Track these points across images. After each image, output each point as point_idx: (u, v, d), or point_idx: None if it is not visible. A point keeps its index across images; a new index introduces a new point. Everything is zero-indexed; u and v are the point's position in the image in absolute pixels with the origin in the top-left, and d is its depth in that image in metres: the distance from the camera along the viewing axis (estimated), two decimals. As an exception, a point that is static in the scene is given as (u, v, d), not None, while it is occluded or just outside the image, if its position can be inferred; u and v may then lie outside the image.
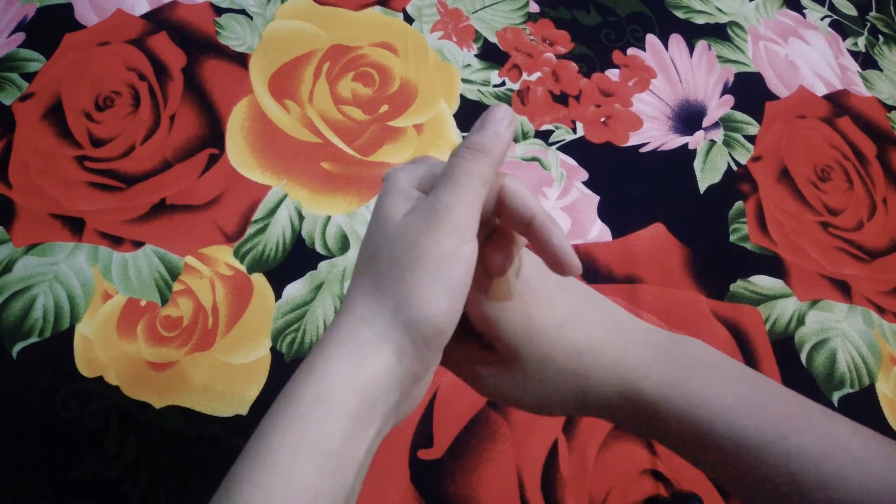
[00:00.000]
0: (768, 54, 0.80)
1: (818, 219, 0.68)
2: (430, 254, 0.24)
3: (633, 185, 0.66)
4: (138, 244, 0.54)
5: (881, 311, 0.64)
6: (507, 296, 0.28)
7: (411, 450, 0.50)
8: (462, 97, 0.67)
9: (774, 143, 0.72)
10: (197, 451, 0.47)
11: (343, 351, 0.24)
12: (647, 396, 0.27)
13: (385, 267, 0.25)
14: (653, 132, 0.70)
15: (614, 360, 0.28)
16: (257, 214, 0.57)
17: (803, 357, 0.60)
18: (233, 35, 0.66)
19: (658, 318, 0.59)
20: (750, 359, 0.59)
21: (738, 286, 0.62)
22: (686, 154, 0.69)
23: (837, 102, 0.78)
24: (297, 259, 0.56)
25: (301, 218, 0.58)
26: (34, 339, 0.49)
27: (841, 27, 0.86)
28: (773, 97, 0.76)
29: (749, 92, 0.75)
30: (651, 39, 0.77)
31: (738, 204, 0.67)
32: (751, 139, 0.72)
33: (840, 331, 0.62)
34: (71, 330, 0.50)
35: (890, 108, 0.80)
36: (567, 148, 0.67)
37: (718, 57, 0.77)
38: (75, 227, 0.54)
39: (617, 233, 0.63)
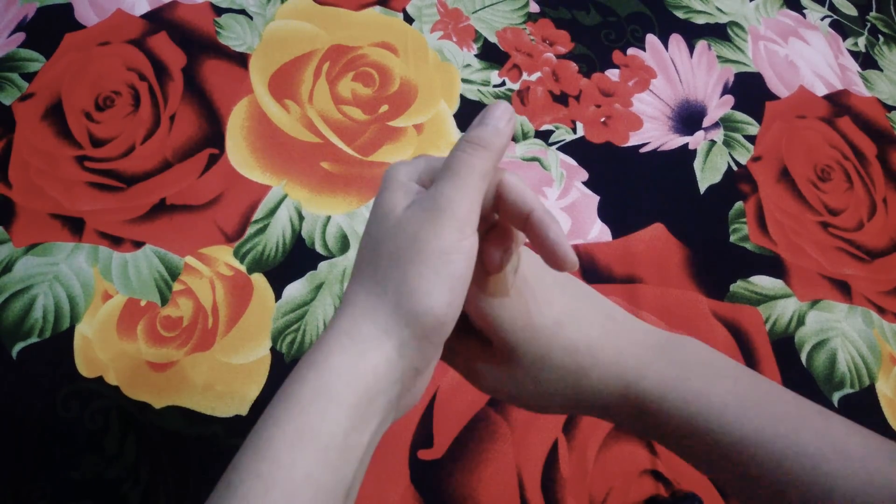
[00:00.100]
0: (768, 54, 0.80)
1: (818, 219, 0.68)
2: (431, 247, 0.24)
3: (633, 185, 0.66)
4: (138, 244, 0.54)
5: (881, 311, 0.64)
6: (505, 293, 0.28)
7: (411, 450, 0.50)
8: (462, 97, 0.67)
9: (774, 144, 0.72)
10: (197, 451, 0.47)
11: (344, 344, 0.24)
12: (645, 395, 0.27)
13: (386, 260, 0.25)
14: (653, 132, 0.70)
15: (612, 358, 0.28)
16: (257, 214, 0.57)
17: (803, 357, 0.60)
18: (233, 35, 0.66)
19: (658, 319, 0.59)
20: (750, 359, 0.59)
21: (738, 286, 0.62)
22: (686, 154, 0.69)
23: (837, 102, 0.78)
24: (297, 259, 0.56)
25: (301, 218, 0.58)
26: (34, 339, 0.49)
27: (841, 27, 0.86)
28: (773, 97, 0.76)
29: (749, 92, 0.75)
30: (651, 39, 0.77)
31: (738, 204, 0.67)
32: (751, 139, 0.72)
33: (840, 331, 0.62)
34: (71, 330, 0.50)
35: (890, 108, 0.80)
36: (567, 148, 0.67)
37: (718, 57, 0.77)
38: (75, 227, 0.54)
39: (617, 233, 0.63)
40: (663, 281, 0.61)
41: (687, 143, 0.70)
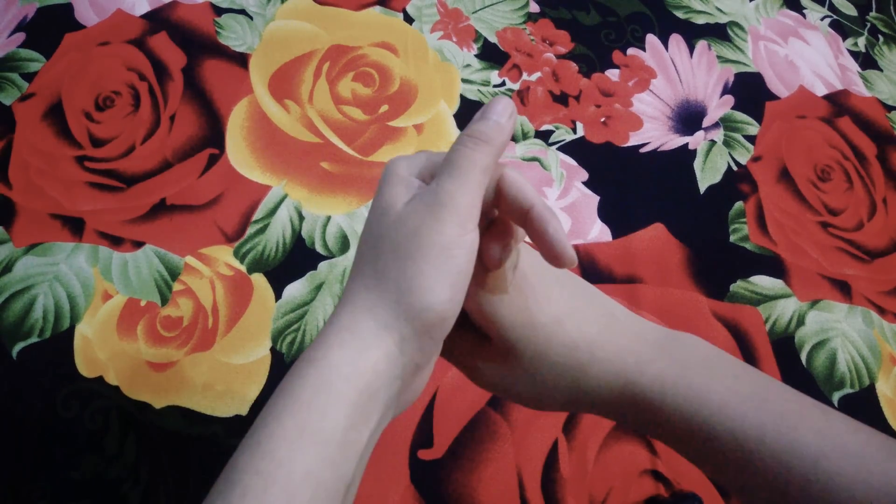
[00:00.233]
0: (768, 54, 0.80)
1: (818, 219, 0.68)
2: (432, 242, 0.24)
3: (633, 185, 0.66)
4: (138, 244, 0.54)
5: (881, 311, 0.64)
6: (504, 289, 0.28)
7: (411, 450, 0.50)
8: (462, 97, 0.67)
9: (774, 143, 0.72)
10: (197, 451, 0.47)
11: (344, 339, 0.24)
12: (645, 392, 0.27)
13: (386, 255, 0.25)
14: (653, 132, 0.70)
15: (611, 355, 0.28)
16: (257, 214, 0.57)
17: (803, 357, 0.60)
18: (233, 35, 0.66)
19: (658, 319, 0.59)
20: (750, 359, 0.59)
21: (738, 286, 0.62)
22: (686, 154, 0.69)
23: (837, 102, 0.78)
24: (297, 259, 0.56)
25: (301, 218, 0.58)
26: (34, 339, 0.49)
27: (841, 27, 0.86)
28: (773, 97, 0.76)
29: (749, 92, 0.75)
30: (651, 39, 0.77)
31: (738, 204, 0.67)
32: (751, 139, 0.72)
33: (840, 331, 0.62)
34: (71, 330, 0.50)
35: (890, 108, 0.80)
36: (567, 148, 0.67)
37: (718, 57, 0.77)
38: (75, 227, 0.54)
39: (617, 233, 0.63)
40: (663, 281, 0.61)
41: (687, 143, 0.70)
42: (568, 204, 0.63)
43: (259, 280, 0.54)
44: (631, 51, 0.75)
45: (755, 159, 0.70)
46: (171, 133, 0.59)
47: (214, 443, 0.48)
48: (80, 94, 0.60)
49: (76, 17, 0.64)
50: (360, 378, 0.23)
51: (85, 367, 0.49)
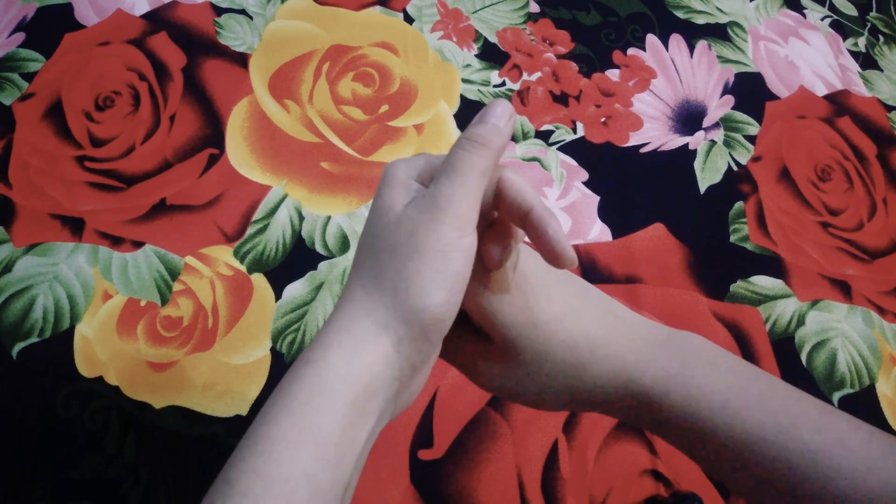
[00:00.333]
0: (768, 54, 0.80)
1: (818, 219, 0.68)
2: (430, 244, 0.24)
3: (633, 185, 0.66)
4: (138, 244, 0.54)
5: (881, 311, 0.64)
6: (505, 289, 0.28)
7: (411, 450, 0.50)
8: (462, 97, 0.67)
9: (774, 144, 0.72)
10: (197, 451, 0.47)
11: (342, 340, 0.24)
12: (647, 390, 0.27)
13: (384, 257, 0.25)
14: (653, 132, 0.70)
15: (613, 353, 0.28)
16: (257, 214, 0.57)
17: (803, 357, 0.60)
18: (233, 35, 0.66)
19: (658, 319, 0.58)
20: (750, 359, 0.59)
21: (738, 286, 0.62)
22: (686, 154, 0.69)
23: (837, 102, 0.78)
24: (297, 259, 0.56)
25: (301, 218, 0.58)
26: (34, 339, 0.49)
27: (841, 27, 0.86)
28: (774, 97, 0.76)
29: (749, 92, 0.75)
30: (651, 39, 0.77)
31: (738, 204, 0.67)
32: (751, 139, 0.72)
33: (840, 331, 0.62)
34: (71, 330, 0.50)
35: (890, 109, 0.80)
36: (567, 148, 0.67)
37: (718, 57, 0.77)
38: (75, 227, 0.54)
39: (617, 233, 0.63)
40: (663, 281, 0.61)
41: (687, 144, 0.70)
42: (568, 204, 0.63)
43: (259, 280, 0.54)
44: (631, 51, 0.75)
45: (755, 159, 0.70)
46: (171, 133, 0.59)
47: (214, 443, 0.48)
48: (80, 94, 0.60)
49: (76, 17, 0.64)
50: (358, 379, 0.23)
51: (85, 367, 0.49)
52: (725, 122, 0.72)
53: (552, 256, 0.25)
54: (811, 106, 0.76)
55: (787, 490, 0.24)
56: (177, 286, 0.53)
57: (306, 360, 0.24)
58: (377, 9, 0.71)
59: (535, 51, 0.73)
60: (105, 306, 0.51)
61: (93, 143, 0.58)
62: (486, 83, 0.69)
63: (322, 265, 0.56)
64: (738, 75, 0.76)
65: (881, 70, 0.84)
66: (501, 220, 0.28)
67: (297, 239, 0.57)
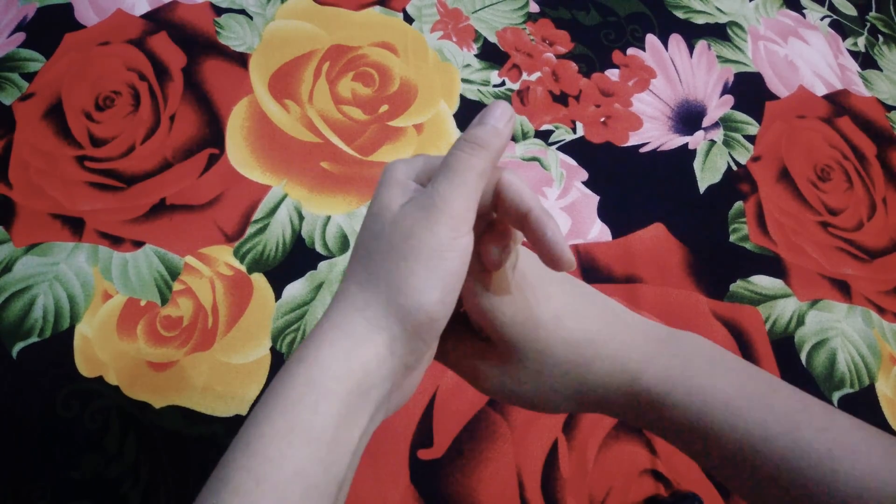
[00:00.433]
0: (768, 54, 0.80)
1: (818, 219, 0.68)
2: (425, 244, 0.24)
3: (633, 185, 0.66)
4: (138, 244, 0.54)
5: (881, 311, 0.64)
6: (505, 289, 0.28)
7: (411, 450, 0.50)
8: (462, 97, 0.67)
9: (774, 143, 0.72)
10: (197, 451, 0.47)
11: (335, 338, 0.24)
12: (648, 389, 0.27)
13: (380, 256, 0.25)
14: (653, 132, 0.70)
15: (614, 352, 0.28)
16: (257, 214, 0.57)
17: (803, 357, 0.60)
18: (233, 35, 0.66)
19: (658, 318, 0.59)
20: (750, 359, 0.59)
21: (737, 286, 0.62)
22: (686, 154, 0.69)
23: (837, 102, 0.78)
24: (297, 259, 0.56)
25: (301, 218, 0.58)
26: (34, 339, 0.49)
27: (841, 27, 0.86)
28: (773, 97, 0.76)
29: (749, 92, 0.75)
30: (651, 39, 0.77)
31: (738, 204, 0.67)
32: (751, 139, 0.72)
33: (840, 331, 0.62)
34: (71, 330, 0.50)
35: (890, 108, 0.80)
36: (567, 148, 0.67)
37: (718, 57, 0.77)
38: (75, 227, 0.54)
39: (617, 233, 0.63)
40: (663, 281, 0.61)
41: (687, 143, 0.70)
42: (568, 204, 0.63)
43: (259, 280, 0.54)
44: (631, 51, 0.75)
45: (755, 159, 0.70)
46: (171, 133, 0.59)
47: (214, 443, 0.48)
48: (80, 94, 0.60)
49: (76, 17, 0.64)
50: (351, 377, 0.23)
51: (85, 367, 0.49)
52: (725, 122, 0.72)
53: (550, 259, 0.25)
54: (811, 106, 0.76)
55: (788, 490, 0.24)
56: (177, 286, 0.53)
57: (299, 358, 0.24)
58: (377, 9, 0.71)
59: (534, 51, 0.73)
60: (105, 306, 0.51)
61: (93, 142, 0.58)
62: (485, 83, 0.69)
63: (322, 265, 0.56)
64: (738, 75, 0.76)
65: (881, 70, 0.84)
66: (500, 220, 0.28)
67: (297, 239, 0.57)
